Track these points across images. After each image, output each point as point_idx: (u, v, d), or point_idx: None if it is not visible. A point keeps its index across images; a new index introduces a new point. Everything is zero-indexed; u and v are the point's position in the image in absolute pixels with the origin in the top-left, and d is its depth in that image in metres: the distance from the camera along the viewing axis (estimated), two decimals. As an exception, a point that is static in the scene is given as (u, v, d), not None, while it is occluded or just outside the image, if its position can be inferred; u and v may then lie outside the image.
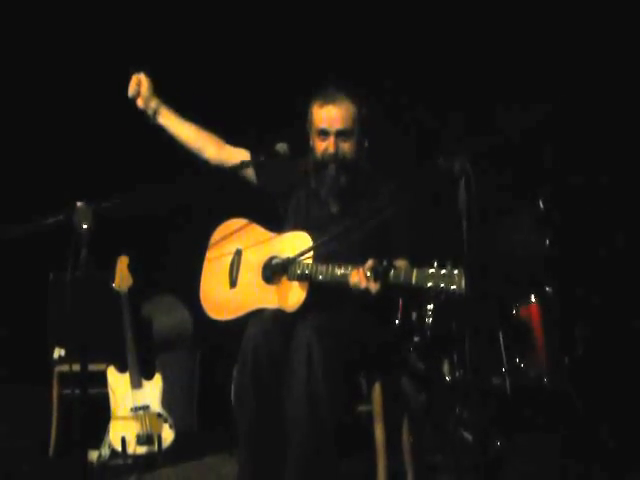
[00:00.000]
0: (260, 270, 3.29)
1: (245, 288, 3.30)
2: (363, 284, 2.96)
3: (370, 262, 2.96)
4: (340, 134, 3.26)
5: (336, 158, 3.27)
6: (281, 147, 3.31)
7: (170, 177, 3.23)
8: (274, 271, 3.21)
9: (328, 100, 3.27)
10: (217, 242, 3.44)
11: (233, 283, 3.34)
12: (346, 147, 3.28)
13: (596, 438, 3.95)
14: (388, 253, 3.15)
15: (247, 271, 3.33)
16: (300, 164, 3.43)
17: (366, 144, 3.36)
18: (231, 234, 3.43)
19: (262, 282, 3.26)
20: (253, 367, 3.02)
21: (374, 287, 2.95)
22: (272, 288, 3.22)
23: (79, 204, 2.82)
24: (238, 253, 3.37)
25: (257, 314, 3.17)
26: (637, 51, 4.53)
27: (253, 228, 3.41)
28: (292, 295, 3.15)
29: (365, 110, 3.32)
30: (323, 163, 3.29)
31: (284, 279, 3.19)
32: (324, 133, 3.28)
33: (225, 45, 5.16)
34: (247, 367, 3.03)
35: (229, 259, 3.39)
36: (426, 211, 3.44)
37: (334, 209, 3.35)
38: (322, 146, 3.29)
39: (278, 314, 3.13)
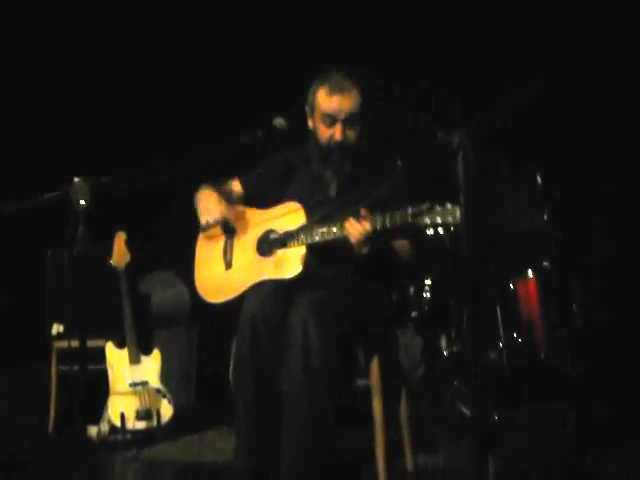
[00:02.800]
0: (255, 246, 3.29)
1: (241, 267, 3.31)
2: (359, 229, 3.00)
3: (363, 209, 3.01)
4: (347, 122, 3.27)
5: (342, 145, 3.28)
6: (279, 122, 3.30)
7: (168, 152, 3.22)
8: (272, 246, 3.23)
9: (336, 88, 3.27)
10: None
11: (228, 265, 3.34)
12: (352, 134, 3.30)
13: (591, 411, 3.98)
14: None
15: (242, 250, 3.33)
16: (297, 151, 3.46)
17: (367, 127, 3.37)
18: None
19: (258, 257, 3.27)
20: (251, 339, 3.02)
21: (369, 228, 2.99)
22: (269, 260, 3.23)
23: (76, 180, 2.82)
24: (230, 233, 3.37)
25: (256, 287, 3.18)
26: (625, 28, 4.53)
27: (242, 208, 3.42)
28: (289, 263, 3.17)
29: (369, 98, 3.33)
30: (329, 149, 3.30)
31: (281, 250, 3.20)
32: (331, 120, 3.28)
33: (222, 22, 5.14)
34: (245, 339, 3.03)
35: (222, 241, 3.39)
36: (427, 185, 3.44)
37: (337, 192, 3.35)
38: (327, 132, 3.30)
39: (276, 286, 3.14)
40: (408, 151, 3.38)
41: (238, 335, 3.08)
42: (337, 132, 3.27)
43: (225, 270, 3.35)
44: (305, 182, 3.41)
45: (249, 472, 3.05)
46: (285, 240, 3.20)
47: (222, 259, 3.37)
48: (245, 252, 3.32)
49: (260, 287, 3.16)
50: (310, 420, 2.93)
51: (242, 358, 3.05)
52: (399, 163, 3.28)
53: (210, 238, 3.43)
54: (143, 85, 5.13)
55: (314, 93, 3.33)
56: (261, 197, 3.46)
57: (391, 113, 4.75)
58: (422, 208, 2.91)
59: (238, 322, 3.08)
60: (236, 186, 3.52)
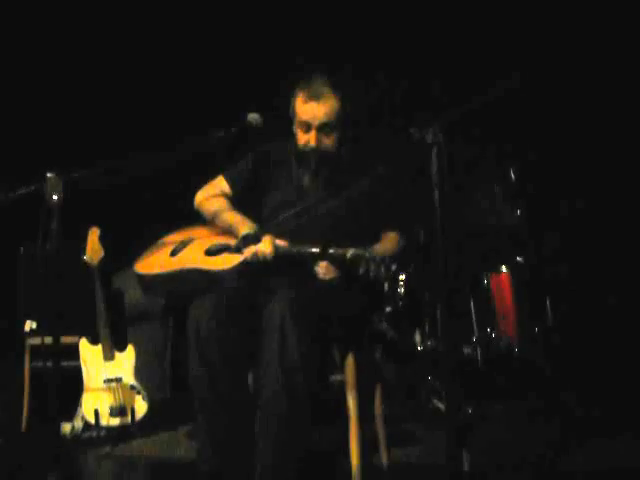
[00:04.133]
0: (203, 249, 3.29)
1: (183, 256, 3.30)
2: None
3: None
4: (322, 129, 3.28)
5: (317, 152, 3.29)
6: (253, 118, 3.30)
7: (143, 147, 3.21)
8: (223, 250, 3.22)
9: (312, 96, 3.27)
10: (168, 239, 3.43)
11: (173, 253, 3.32)
12: (327, 141, 3.30)
13: (564, 405, 4.01)
14: (372, 225, 3.27)
15: (192, 249, 3.32)
16: (278, 145, 3.47)
17: (348, 134, 3.37)
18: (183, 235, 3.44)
19: (203, 255, 3.26)
20: (198, 348, 3.03)
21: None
22: (212, 258, 3.22)
23: (49, 175, 2.80)
24: (184, 243, 3.36)
25: (200, 297, 3.15)
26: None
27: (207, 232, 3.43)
28: (229, 258, 3.16)
29: (348, 105, 3.32)
30: (305, 154, 3.32)
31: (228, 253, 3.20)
32: (306, 126, 3.29)
33: (197, 17, 5.12)
34: (192, 347, 3.04)
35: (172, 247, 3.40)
36: (404, 181, 3.46)
37: (315, 195, 3.36)
38: (304, 138, 3.31)
39: (222, 291, 3.14)
40: (384, 147, 3.40)
41: (188, 341, 3.08)
42: (311, 138, 3.28)
43: (168, 256, 3.33)
44: (284, 188, 3.41)
45: (212, 475, 3.06)
46: (239, 247, 3.20)
47: (169, 253, 3.36)
48: (194, 250, 3.31)
49: (203, 297, 3.15)
50: (288, 416, 2.94)
51: (193, 365, 3.05)
52: (379, 170, 3.31)
53: (167, 243, 3.42)
54: (117, 80, 5.10)
55: (294, 99, 3.34)
56: (248, 194, 3.46)
57: (367, 108, 4.76)
58: (360, 254, 2.95)
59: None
60: (223, 185, 3.51)
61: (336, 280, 3.13)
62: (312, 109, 3.27)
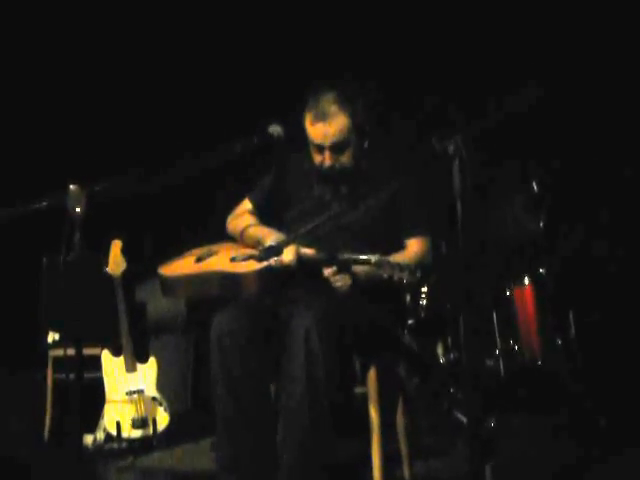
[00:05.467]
0: (229, 258, 3.28)
1: (209, 262, 3.27)
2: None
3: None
4: (334, 148, 3.24)
5: (333, 171, 3.27)
6: (274, 129, 3.28)
7: (164, 159, 3.21)
8: (247, 259, 3.20)
9: (319, 117, 3.21)
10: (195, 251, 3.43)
11: (199, 260, 3.30)
12: (343, 158, 3.27)
13: (589, 418, 3.97)
14: (397, 234, 3.26)
15: (216, 258, 3.30)
16: (298, 158, 3.45)
17: (366, 145, 3.35)
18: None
19: (228, 262, 3.24)
20: (221, 358, 3.03)
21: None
22: (235, 264, 3.19)
23: (72, 187, 2.81)
24: (210, 252, 3.34)
25: (224, 306, 3.14)
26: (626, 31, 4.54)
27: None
28: (252, 264, 3.14)
29: (360, 115, 3.26)
30: (323, 172, 3.29)
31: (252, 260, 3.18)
32: (319, 148, 3.26)
33: (219, 28, 5.14)
34: (215, 358, 3.05)
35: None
36: (426, 192, 3.45)
37: (337, 207, 3.35)
38: (319, 158, 3.28)
39: (245, 302, 3.14)
40: (406, 158, 3.39)
41: (211, 353, 3.07)
42: (326, 159, 3.25)
43: (193, 262, 3.31)
44: (305, 201, 3.39)
45: None
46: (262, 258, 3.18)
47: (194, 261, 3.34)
48: (219, 258, 3.30)
49: (226, 306, 3.14)
50: (311, 428, 2.93)
51: (215, 376, 3.06)
52: (401, 180, 3.29)
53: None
54: (139, 92, 5.12)
55: (303, 119, 3.28)
56: (272, 210, 3.46)
57: (389, 120, 4.75)
58: (385, 259, 2.95)
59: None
60: (248, 205, 3.51)
61: (351, 290, 3.10)
62: (321, 131, 3.21)
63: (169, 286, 3.31)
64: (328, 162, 3.25)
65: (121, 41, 5.13)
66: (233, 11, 5.09)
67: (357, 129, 3.26)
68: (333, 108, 3.20)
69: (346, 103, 3.23)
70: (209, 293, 3.21)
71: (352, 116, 3.23)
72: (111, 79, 5.12)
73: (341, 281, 3.07)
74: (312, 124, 3.23)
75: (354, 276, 3.08)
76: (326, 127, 3.20)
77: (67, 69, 5.11)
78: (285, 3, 5.04)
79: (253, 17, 5.08)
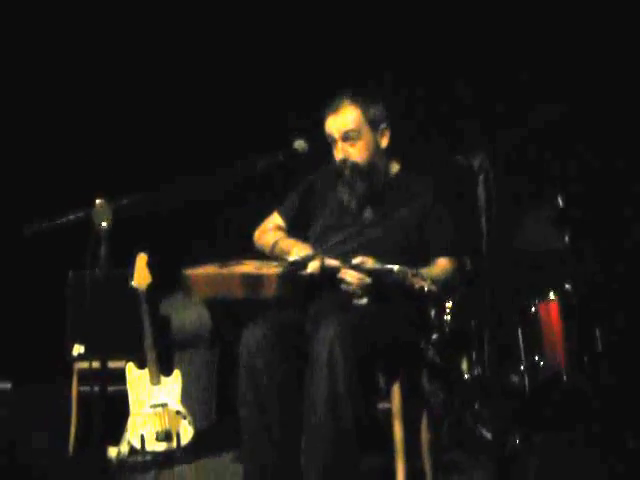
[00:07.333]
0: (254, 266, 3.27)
1: (232, 267, 3.27)
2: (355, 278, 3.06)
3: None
4: (345, 138, 3.30)
5: (346, 163, 3.30)
6: (299, 144, 3.31)
7: (189, 174, 3.23)
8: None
9: (331, 110, 3.32)
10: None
11: (222, 266, 3.29)
12: (354, 151, 3.31)
13: (615, 437, 3.93)
14: (424, 251, 3.26)
15: (240, 265, 3.30)
16: (323, 171, 3.48)
17: (383, 144, 3.35)
18: None
19: (252, 268, 3.24)
20: (249, 375, 3.04)
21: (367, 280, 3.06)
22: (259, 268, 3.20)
23: (98, 201, 2.83)
24: (235, 262, 3.33)
25: (253, 321, 3.15)
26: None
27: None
28: (272, 268, 3.15)
29: (374, 110, 3.33)
30: (339, 171, 3.33)
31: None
32: (332, 141, 3.33)
33: (243, 45, 5.16)
34: (243, 374, 3.05)
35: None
36: (455, 207, 3.44)
37: (363, 214, 3.36)
38: (335, 154, 3.35)
39: (273, 319, 3.15)
40: (431, 173, 3.38)
41: (239, 368, 3.08)
42: (338, 151, 3.31)
43: (217, 267, 3.31)
44: (329, 211, 3.41)
45: None
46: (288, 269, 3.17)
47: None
48: (244, 266, 3.29)
49: (254, 321, 3.14)
50: (335, 444, 2.92)
51: (242, 392, 3.06)
52: (427, 196, 3.29)
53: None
54: (166, 108, 5.15)
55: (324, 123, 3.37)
56: (302, 224, 3.48)
57: (414, 134, 4.76)
58: (407, 270, 2.95)
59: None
60: (277, 219, 3.53)
61: (375, 305, 3.09)
62: (332, 122, 3.31)
63: (191, 284, 3.28)
64: (340, 155, 3.30)
65: (149, 58, 5.16)
66: (258, 28, 5.12)
67: (370, 123, 3.31)
68: (345, 101, 3.31)
69: (358, 97, 3.32)
70: (230, 293, 3.20)
71: (363, 109, 3.31)
72: (141, 96, 5.15)
73: (360, 289, 3.06)
74: (326, 118, 3.33)
75: (376, 286, 3.07)
76: (337, 117, 3.30)
77: (95, 85, 5.15)
78: (308, 18, 5.06)
79: (280, 35, 5.10)
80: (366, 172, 3.32)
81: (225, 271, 3.21)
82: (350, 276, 3.06)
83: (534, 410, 4.08)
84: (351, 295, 3.09)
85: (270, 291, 3.11)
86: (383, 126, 3.35)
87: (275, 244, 3.40)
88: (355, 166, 3.30)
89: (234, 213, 4.90)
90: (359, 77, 4.66)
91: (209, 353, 4.83)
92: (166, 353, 4.47)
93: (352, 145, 3.30)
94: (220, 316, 4.71)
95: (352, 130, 3.29)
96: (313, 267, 3.08)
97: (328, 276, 3.11)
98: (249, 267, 3.24)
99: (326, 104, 3.37)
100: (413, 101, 4.93)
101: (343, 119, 3.29)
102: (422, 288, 2.93)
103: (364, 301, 3.08)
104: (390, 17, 4.98)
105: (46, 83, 5.13)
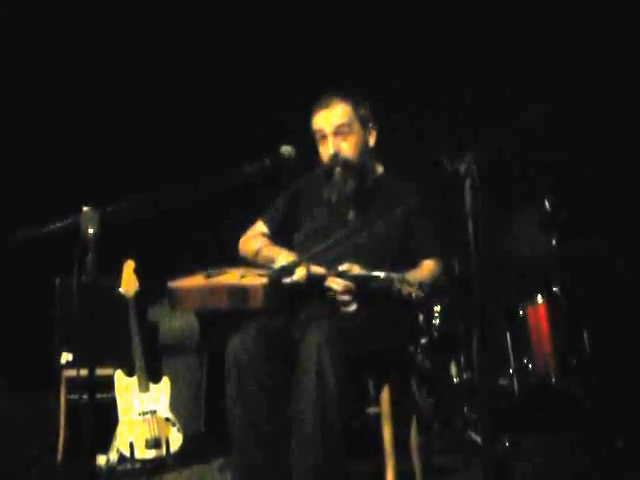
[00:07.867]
0: (239, 275, 3.26)
1: (219, 277, 3.26)
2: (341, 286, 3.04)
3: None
4: (337, 133, 3.30)
5: (337, 159, 3.29)
6: (286, 150, 3.30)
7: (176, 181, 3.23)
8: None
9: (322, 105, 3.33)
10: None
11: (208, 276, 3.28)
12: (346, 146, 3.30)
13: (604, 438, 3.94)
14: (410, 255, 3.25)
15: (226, 274, 3.29)
16: (308, 176, 3.47)
17: (371, 144, 3.36)
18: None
19: (238, 278, 3.22)
20: (238, 380, 3.02)
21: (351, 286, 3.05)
22: (244, 279, 3.19)
23: (85, 208, 2.82)
24: (221, 271, 3.32)
25: (239, 329, 3.15)
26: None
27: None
28: (257, 279, 3.13)
29: (363, 108, 3.35)
30: (329, 169, 3.31)
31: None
32: (322, 136, 3.33)
33: (232, 49, 5.17)
34: (232, 379, 3.04)
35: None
36: (440, 211, 3.45)
37: (348, 216, 3.35)
38: (324, 150, 3.34)
39: (261, 325, 3.14)
40: (417, 177, 3.39)
41: (226, 374, 3.07)
42: (329, 145, 3.31)
43: (203, 278, 3.30)
44: (315, 214, 3.41)
45: None
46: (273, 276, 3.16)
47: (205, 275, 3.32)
48: (229, 275, 3.28)
49: (241, 327, 3.14)
50: (323, 449, 2.92)
51: (230, 396, 3.05)
52: (413, 200, 3.29)
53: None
54: (152, 115, 5.15)
55: (311, 119, 3.38)
56: (286, 231, 3.47)
57: (399, 138, 4.77)
58: (393, 275, 2.94)
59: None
60: (261, 227, 3.52)
61: (363, 310, 3.09)
62: (323, 116, 3.31)
63: (177, 297, 3.27)
64: (331, 149, 3.29)
65: (135, 68, 5.16)
66: (251, 33, 5.12)
67: (360, 120, 3.33)
68: (335, 98, 3.33)
69: (348, 95, 3.34)
70: (217, 306, 3.18)
71: (354, 106, 3.33)
72: (128, 102, 5.15)
73: (348, 297, 3.06)
74: (316, 113, 3.33)
75: (363, 293, 3.07)
76: (328, 112, 3.31)
77: (83, 91, 5.14)
78: (298, 20, 5.07)
79: (270, 41, 5.11)
80: (356, 169, 3.32)
81: (211, 283, 3.20)
82: (336, 284, 3.06)
83: (523, 412, 4.09)
84: (338, 303, 3.08)
85: (256, 303, 3.10)
86: (371, 125, 3.37)
87: (259, 251, 3.40)
88: (346, 162, 3.30)
89: (220, 220, 4.90)
90: (342, 81, 4.68)
91: (197, 359, 4.83)
92: (154, 360, 4.46)
93: (344, 139, 3.30)
94: (207, 322, 4.70)
95: (344, 124, 3.29)
96: (299, 275, 3.07)
97: (314, 284, 3.11)
98: (234, 276, 3.23)
99: (313, 103, 3.36)
100: (400, 104, 4.94)
101: (335, 113, 3.29)
102: (409, 294, 2.93)
103: (352, 308, 3.08)
104: (374, 23, 5.00)
105: (33, 91, 5.12)
